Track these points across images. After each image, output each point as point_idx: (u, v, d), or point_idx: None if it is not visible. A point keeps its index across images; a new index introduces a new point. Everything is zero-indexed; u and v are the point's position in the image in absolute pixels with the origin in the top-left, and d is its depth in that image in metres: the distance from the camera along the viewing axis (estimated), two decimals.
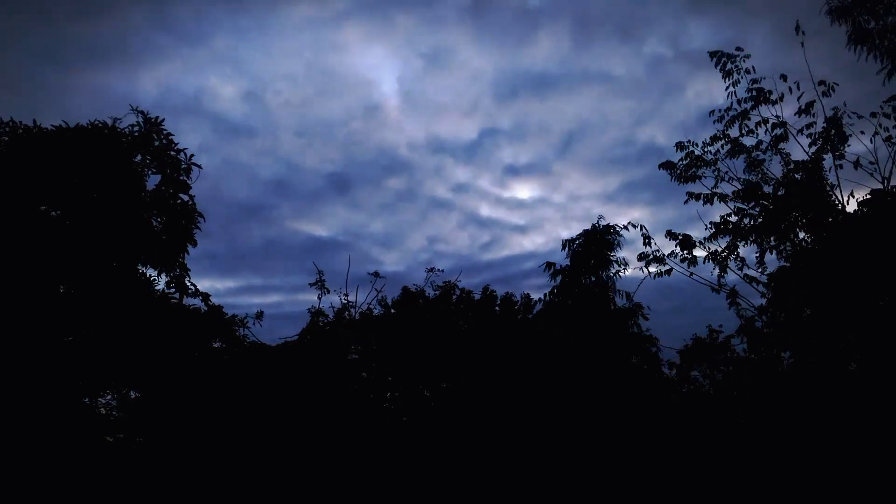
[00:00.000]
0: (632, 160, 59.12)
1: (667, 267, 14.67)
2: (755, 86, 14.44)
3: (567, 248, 14.99)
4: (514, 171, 65.40)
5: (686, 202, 15.19)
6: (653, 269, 14.87)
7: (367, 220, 58.41)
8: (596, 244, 14.71)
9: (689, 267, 14.49)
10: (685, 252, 14.59)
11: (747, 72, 14.58)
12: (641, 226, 14.84)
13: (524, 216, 61.80)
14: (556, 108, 69.60)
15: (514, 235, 55.96)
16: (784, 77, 13.77)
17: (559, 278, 14.85)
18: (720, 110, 15.06)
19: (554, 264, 14.95)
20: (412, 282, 14.58)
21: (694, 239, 14.61)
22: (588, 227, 14.95)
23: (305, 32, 67.21)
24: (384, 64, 71.86)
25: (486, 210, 60.48)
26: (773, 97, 14.36)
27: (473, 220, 58.17)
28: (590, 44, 68.37)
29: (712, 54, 14.54)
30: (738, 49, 14.39)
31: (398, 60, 71.97)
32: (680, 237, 14.74)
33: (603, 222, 15.01)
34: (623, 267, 14.92)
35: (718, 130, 15.03)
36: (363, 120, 66.58)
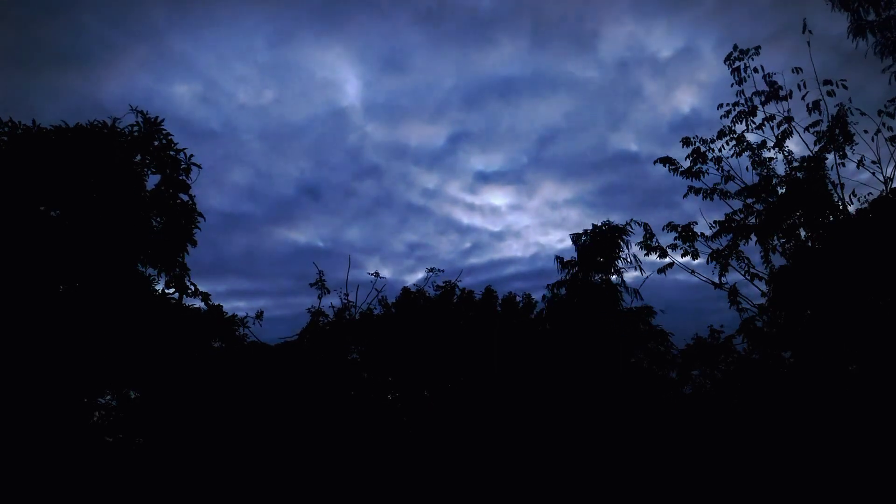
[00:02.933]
0: (606, 165, 58.83)
1: (668, 260, 14.70)
2: (770, 80, 14.40)
3: (575, 244, 14.97)
4: (486, 178, 65.20)
5: (685, 196, 15.21)
6: (654, 259, 14.91)
7: (344, 225, 57.99)
8: (604, 241, 14.69)
9: (692, 259, 14.51)
10: (687, 245, 14.60)
11: (756, 70, 14.55)
12: (645, 224, 14.88)
13: (500, 223, 61.53)
14: (523, 113, 69.48)
15: (493, 242, 55.65)
16: (797, 70, 13.71)
17: (566, 272, 14.83)
18: (728, 105, 15.04)
19: (562, 258, 14.95)
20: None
21: (695, 232, 14.62)
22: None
23: (257, 36, 66.20)
24: (344, 68, 71.08)
25: (461, 216, 60.12)
26: (782, 94, 14.34)
27: (452, 226, 57.78)
28: (547, 49, 68.21)
29: (735, 48, 14.56)
30: (755, 48, 14.45)
31: (358, 65, 71.21)
32: (680, 229, 14.74)
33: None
34: (631, 264, 14.91)
35: (725, 126, 15.01)
36: (327, 124, 65.94)
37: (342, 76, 70.99)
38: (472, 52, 68.72)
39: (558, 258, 14.99)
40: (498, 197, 67.77)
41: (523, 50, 68.03)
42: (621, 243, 14.64)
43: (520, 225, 61.28)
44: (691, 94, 58.75)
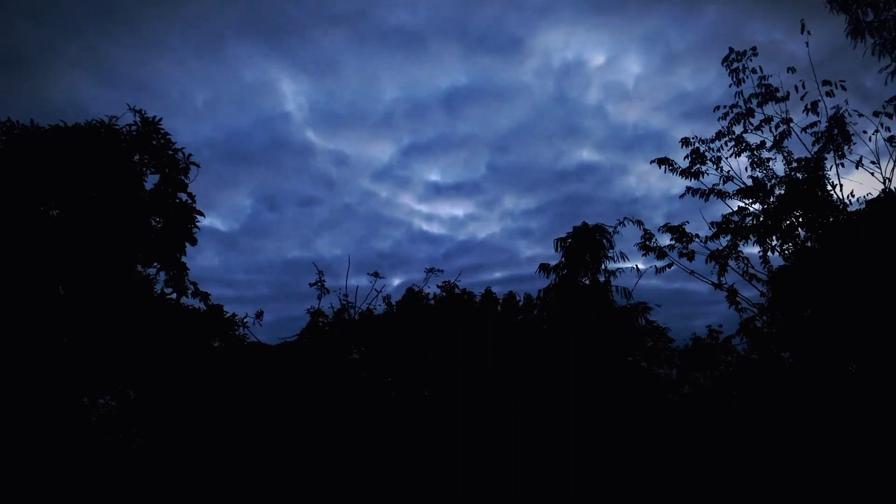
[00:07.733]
0: (566, 174, 58.21)
1: (667, 261, 14.72)
2: (764, 82, 14.44)
3: (559, 248, 15.08)
4: (444, 189, 64.40)
5: (682, 196, 15.27)
6: (645, 265, 14.97)
7: (310, 235, 56.52)
8: (586, 240, 14.73)
9: (689, 261, 14.53)
10: (682, 246, 14.63)
11: (753, 71, 14.59)
12: (639, 222, 14.89)
13: (464, 232, 60.90)
14: (473, 124, 68.72)
15: (462, 251, 55.05)
16: (792, 69, 13.77)
17: (553, 276, 14.90)
18: (725, 107, 15.10)
19: (547, 265, 15.03)
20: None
21: (689, 233, 14.67)
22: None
23: (186, 40, 64.42)
24: (281, 78, 69.52)
25: (426, 226, 59.09)
26: (779, 94, 14.39)
27: (419, 236, 56.46)
28: (482, 59, 67.53)
29: (732, 50, 14.63)
30: (752, 49, 14.51)
31: (297, 78, 69.70)
32: (676, 229, 14.77)
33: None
34: (620, 261, 14.95)
35: (723, 127, 15.07)
36: (270, 134, 64.37)
37: (277, 84, 69.59)
38: (408, 66, 68.05)
39: (542, 265, 15.09)
40: (458, 207, 67.11)
41: (458, 61, 67.47)
42: (605, 242, 14.71)
43: (484, 233, 60.87)
44: (630, 102, 59.09)
